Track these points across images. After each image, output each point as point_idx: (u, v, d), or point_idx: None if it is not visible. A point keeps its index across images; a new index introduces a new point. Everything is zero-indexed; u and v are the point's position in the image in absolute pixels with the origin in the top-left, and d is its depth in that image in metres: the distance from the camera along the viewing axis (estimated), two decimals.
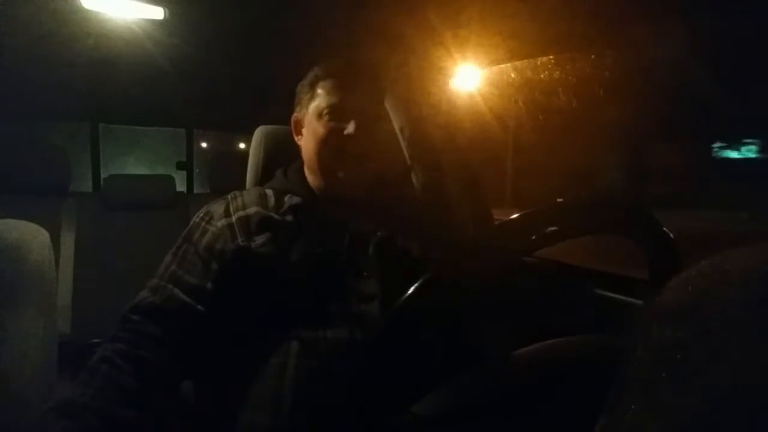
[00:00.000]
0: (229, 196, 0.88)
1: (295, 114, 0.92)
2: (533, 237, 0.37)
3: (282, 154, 1.01)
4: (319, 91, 0.86)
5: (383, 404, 0.37)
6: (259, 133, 1.05)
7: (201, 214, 0.85)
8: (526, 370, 0.43)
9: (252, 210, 0.83)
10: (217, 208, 0.85)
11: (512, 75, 1.41)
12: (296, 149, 0.94)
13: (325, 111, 0.84)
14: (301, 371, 0.70)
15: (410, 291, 0.35)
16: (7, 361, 0.57)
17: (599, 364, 0.34)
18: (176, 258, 0.80)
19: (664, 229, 0.45)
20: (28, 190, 1.72)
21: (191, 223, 0.85)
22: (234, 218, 0.82)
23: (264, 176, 1.02)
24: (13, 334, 0.58)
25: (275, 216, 0.82)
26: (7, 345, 0.57)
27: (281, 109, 1.06)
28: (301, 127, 0.91)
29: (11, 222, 0.66)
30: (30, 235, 0.67)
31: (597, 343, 0.44)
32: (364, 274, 0.79)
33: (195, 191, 2.55)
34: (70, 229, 1.72)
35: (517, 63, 1.33)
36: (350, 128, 0.82)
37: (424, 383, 0.71)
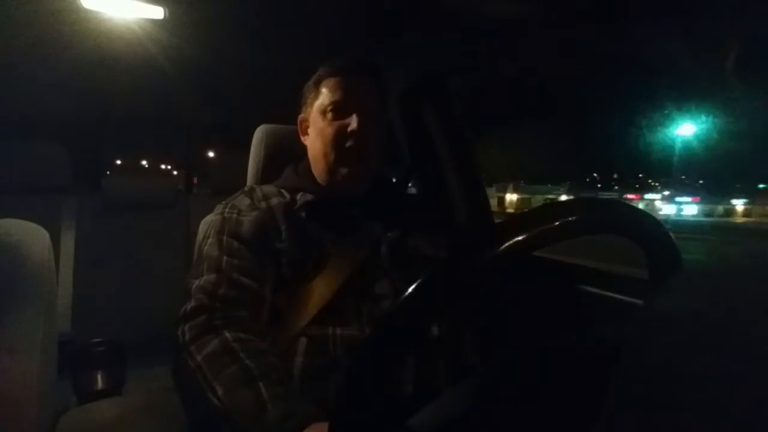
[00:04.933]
0: (246, 189, 0.89)
1: (301, 114, 0.93)
2: (533, 236, 0.37)
3: (282, 153, 1.01)
4: (323, 89, 0.87)
5: (377, 406, 0.36)
6: (259, 132, 1.05)
7: (226, 210, 0.84)
8: (524, 372, 0.43)
9: (274, 201, 0.84)
10: (242, 200, 0.86)
11: None
12: (300, 149, 0.94)
13: (329, 108, 0.85)
14: (308, 369, 0.71)
15: (409, 289, 0.35)
16: (7, 361, 0.57)
17: (598, 364, 0.34)
18: (223, 250, 0.78)
19: (665, 229, 0.45)
20: (28, 190, 1.71)
21: (219, 218, 0.83)
22: (261, 210, 0.83)
23: (264, 175, 1.02)
24: (13, 334, 0.58)
25: (291, 212, 0.83)
26: (7, 345, 0.57)
27: (281, 109, 1.06)
28: (307, 127, 0.91)
29: (11, 222, 0.66)
30: (30, 235, 0.67)
31: (595, 343, 0.44)
32: (378, 273, 0.79)
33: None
34: (70, 229, 1.72)
35: None
36: (353, 124, 0.82)
37: (422, 383, 0.71)
